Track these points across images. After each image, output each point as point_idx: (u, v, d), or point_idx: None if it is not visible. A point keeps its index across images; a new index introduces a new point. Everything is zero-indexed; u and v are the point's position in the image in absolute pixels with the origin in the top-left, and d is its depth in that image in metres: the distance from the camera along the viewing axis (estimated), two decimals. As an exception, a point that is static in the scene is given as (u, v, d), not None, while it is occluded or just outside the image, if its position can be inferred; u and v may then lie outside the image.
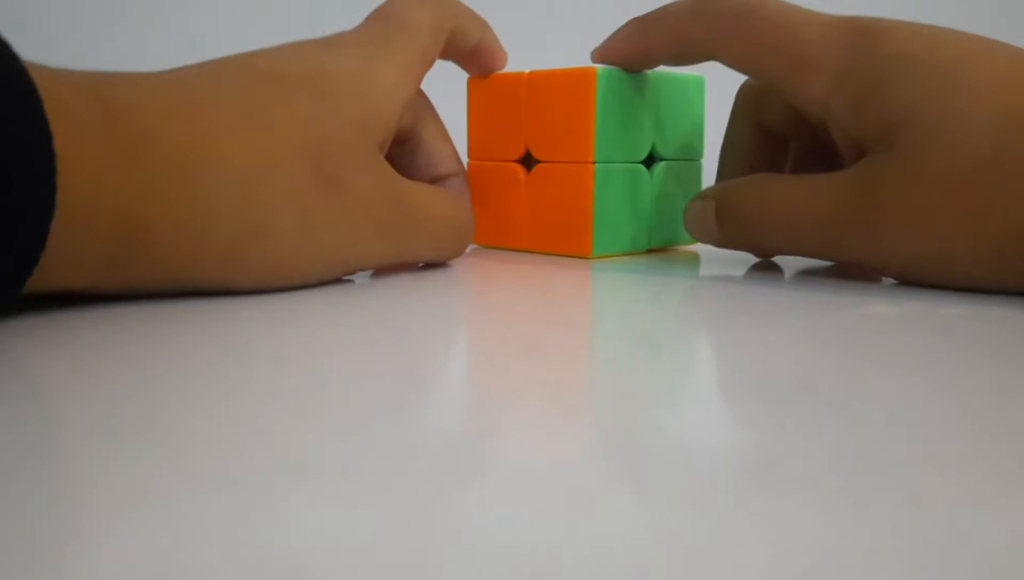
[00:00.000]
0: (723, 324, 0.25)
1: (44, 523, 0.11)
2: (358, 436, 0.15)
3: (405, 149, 0.34)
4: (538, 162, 0.35)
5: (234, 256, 0.26)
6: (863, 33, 0.29)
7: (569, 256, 0.35)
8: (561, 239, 0.35)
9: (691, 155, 0.38)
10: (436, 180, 0.34)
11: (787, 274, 0.32)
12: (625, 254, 0.36)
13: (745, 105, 0.34)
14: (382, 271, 0.32)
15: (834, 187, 0.29)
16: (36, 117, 0.21)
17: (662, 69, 0.35)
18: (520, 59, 0.37)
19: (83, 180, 0.22)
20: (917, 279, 0.29)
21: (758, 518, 0.11)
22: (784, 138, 0.34)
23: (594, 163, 0.34)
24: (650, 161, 0.36)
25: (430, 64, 0.33)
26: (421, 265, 0.33)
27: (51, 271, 0.22)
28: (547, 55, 0.38)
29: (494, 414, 0.16)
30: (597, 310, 0.28)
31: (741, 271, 0.33)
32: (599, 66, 0.34)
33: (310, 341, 0.22)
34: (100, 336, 0.22)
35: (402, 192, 0.30)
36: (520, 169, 0.36)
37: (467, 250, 0.37)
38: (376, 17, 0.32)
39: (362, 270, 0.30)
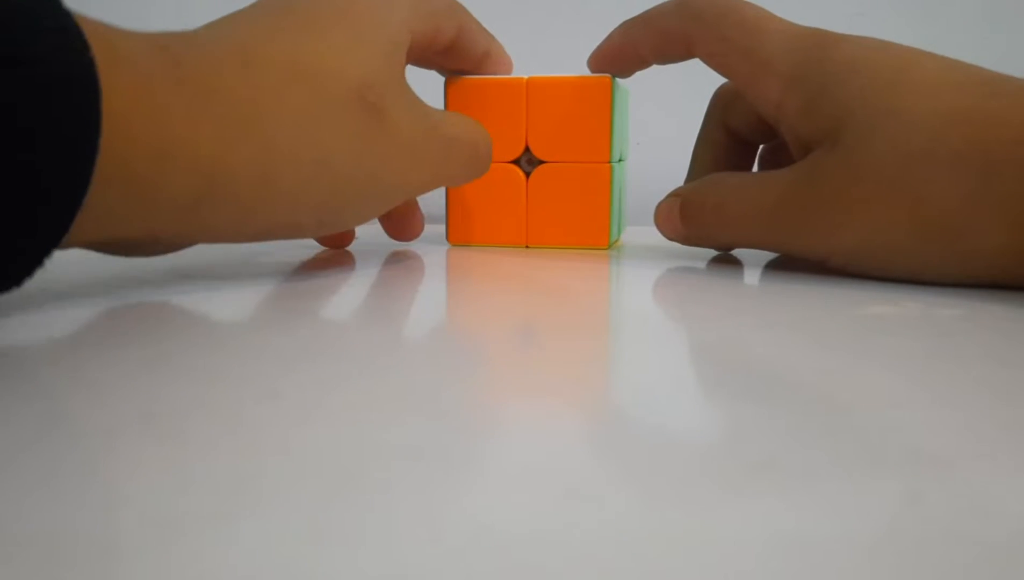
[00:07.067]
0: (722, 322, 0.25)
1: (50, 519, 0.11)
2: (359, 435, 0.15)
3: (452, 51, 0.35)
4: (540, 162, 0.37)
5: (299, 196, 0.27)
6: (819, 42, 0.31)
7: (583, 249, 0.38)
8: (575, 233, 0.38)
9: (626, 156, 0.43)
10: (480, 58, 0.36)
11: (785, 274, 0.33)
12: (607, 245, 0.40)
13: (716, 108, 0.38)
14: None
15: (780, 181, 0.31)
16: (87, 79, 0.20)
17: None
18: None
19: (156, 141, 0.22)
20: (860, 270, 0.30)
21: (757, 517, 0.11)
22: (750, 141, 0.38)
23: (610, 162, 0.37)
24: (612, 161, 0.40)
25: (431, 32, 0.33)
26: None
27: (116, 225, 0.22)
28: (542, 61, 0.39)
29: (494, 412, 0.16)
30: (610, 301, 0.30)
31: (733, 268, 0.34)
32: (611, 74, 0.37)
33: (311, 340, 0.22)
34: (104, 335, 0.22)
35: (432, 118, 0.31)
36: (518, 169, 0.38)
37: (470, 248, 0.38)
38: None
39: (405, 199, 0.32)
